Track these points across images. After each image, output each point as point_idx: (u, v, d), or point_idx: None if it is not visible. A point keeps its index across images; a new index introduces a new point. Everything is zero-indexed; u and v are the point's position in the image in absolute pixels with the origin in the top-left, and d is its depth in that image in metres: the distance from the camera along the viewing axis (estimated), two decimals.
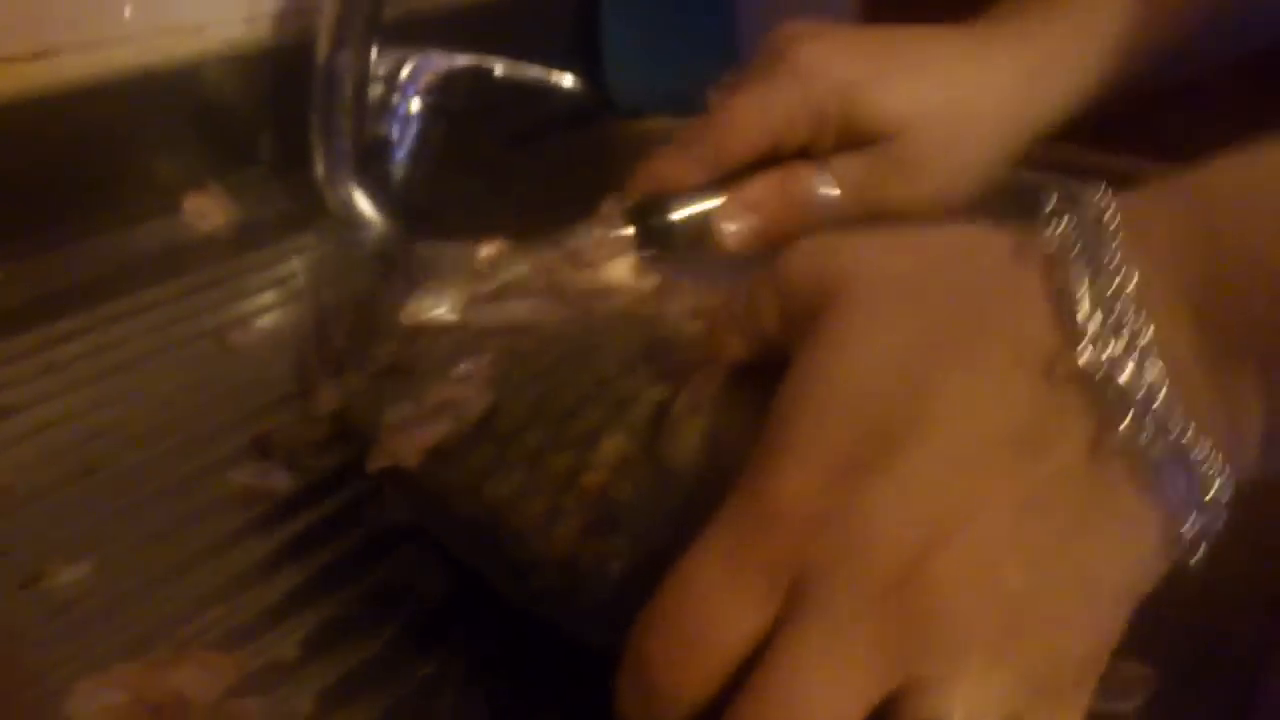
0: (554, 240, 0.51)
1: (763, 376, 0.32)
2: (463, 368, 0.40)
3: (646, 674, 0.29)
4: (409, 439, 0.39)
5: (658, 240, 0.52)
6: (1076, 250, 0.29)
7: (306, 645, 0.39)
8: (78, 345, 0.57)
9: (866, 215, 0.53)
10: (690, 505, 0.32)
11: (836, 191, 0.53)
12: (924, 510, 0.28)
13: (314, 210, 0.73)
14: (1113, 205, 0.30)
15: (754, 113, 0.53)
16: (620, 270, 0.48)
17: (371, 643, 0.40)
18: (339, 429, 0.47)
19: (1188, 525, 0.29)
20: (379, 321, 0.46)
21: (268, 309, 0.63)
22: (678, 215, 0.52)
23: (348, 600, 0.42)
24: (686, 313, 0.41)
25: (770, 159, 0.54)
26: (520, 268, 0.48)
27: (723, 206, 0.52)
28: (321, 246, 0.71)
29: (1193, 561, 0.29)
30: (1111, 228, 0.29)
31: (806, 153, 0.55)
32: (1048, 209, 0.30)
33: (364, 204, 0.75)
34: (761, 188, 0.53)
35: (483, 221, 0.53)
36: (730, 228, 0.52)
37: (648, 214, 0.52)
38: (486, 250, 0.50)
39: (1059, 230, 0.30)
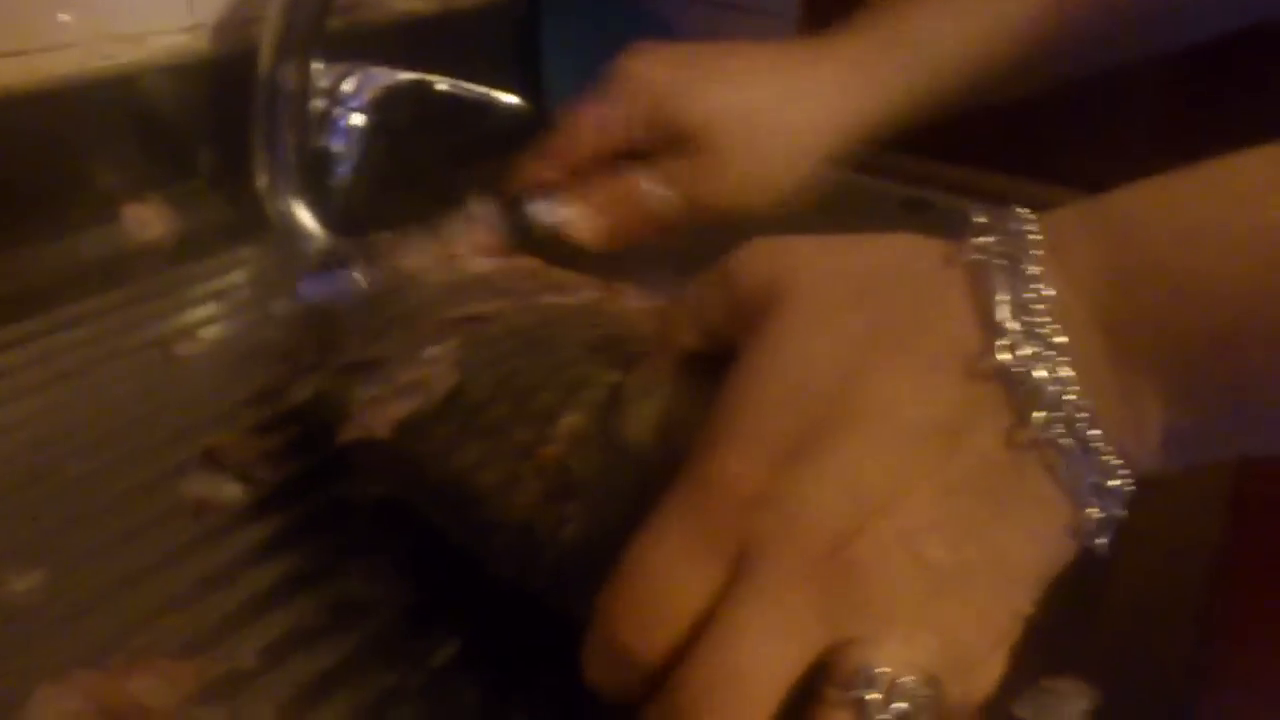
0: (430, 229, 0.56)
1: (709, 363, 0.35)
2: (430, 351, 0.43)
3: (611, 636, 0.31)
4: (380, 413, 0.42)
5: (519, 233, 0.58)
6: (1000, 261, 0.32)
7: (266, 654, 0.40)
8: (20, 353, 0.57)
9: (694, 213, 0.59)
10: (641, 478, 0.35)
11: (668, 192, 0.58)
12: (852, 492, 0.30)
13: (255, 222, 0.73)
14: (1035, 223, 0.32)
15: (592, 120, 0.60)
16: (483, 263, 0.53)
17: (331, 653, 0.40)
18: (299, 432, 0.49)
19: (1093, 511, 0.31)
20: (342, 323, 0.49)
21: (212, 320, 0.62)
22: (534, 213, 0.59)
23: (306, 611, 0.42)
24: (638, 310, 0.44)
25: (615, 161, 0.60)
26: (415, 255, 0.53)
27: (574, 210, 0.59)
28: (263, 258, 0.71)
29: (1098, 548, 0.32)
30: (1033, 242, 0.32)
31: (646, 155, 0.60)
32: (976, 222, 0.33)
33: (305, 216, 0.75)
34: (604, 193, 0.59)
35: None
36: (584, 228, 0.58)
37: (511, 210, 0.59)
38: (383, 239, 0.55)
39: (985, 242, 0.32)
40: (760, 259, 0.35)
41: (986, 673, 0.32)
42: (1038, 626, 0.33)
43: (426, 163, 0.85)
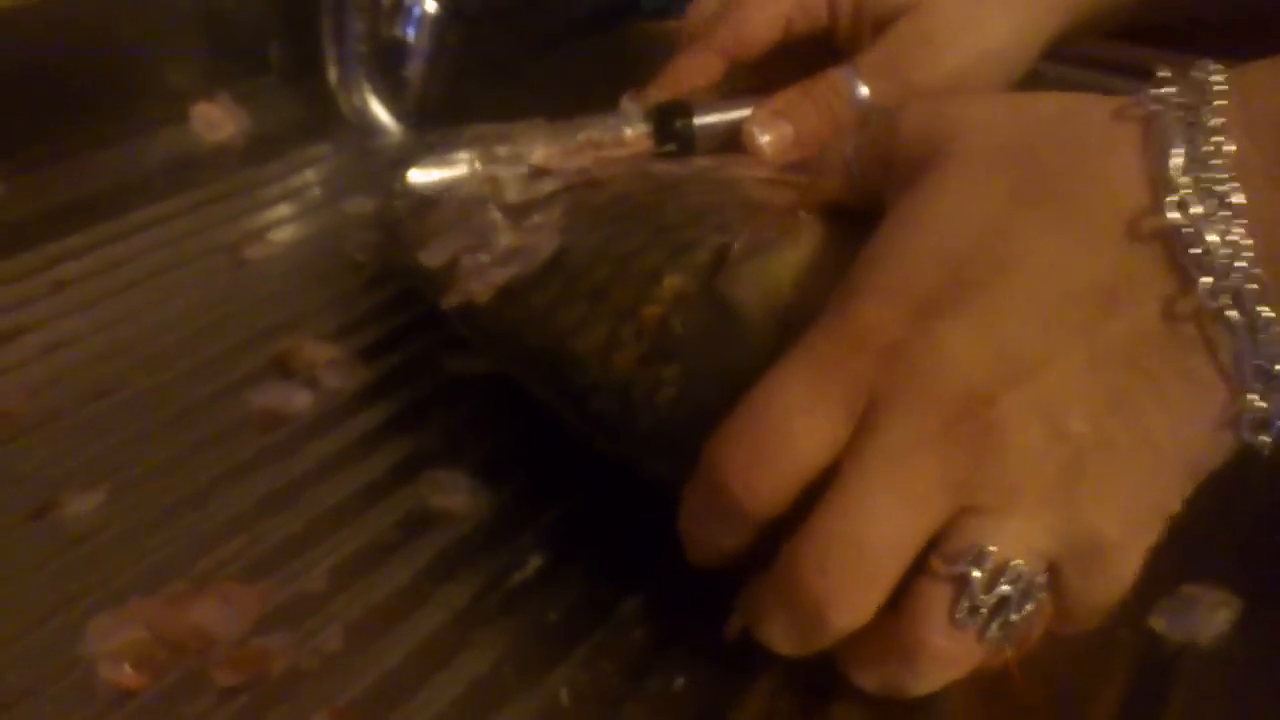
0: (573, 127, 0.49)
1: (822, 228, 0.36)
2: (534, 218, 0.42)
3: (718, 481, 0.30)
4: (481, 279, 0.41)
5: (679, 142, 0.49)
6: (1177, 112, 0.29)
7: (334, 575, 0.37)
8: (86, 262, 0.55)
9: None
10: (743, 342, 0.34)
11: (867, 91, 0.49)
12: (995, 350, 0.29)
13: (328, 118, 0.70)
14: (1222, 73, 0.30)
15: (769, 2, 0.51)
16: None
17: (403, 572, 0.38)
18: (371, 336, 0.48)
19: (1254, 398, 0.28)
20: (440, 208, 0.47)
21: (283, 222, 0.60)
22: (702, 120, 0.50)
23: (377, 527, 0.39)
24: (750, 178, 0.42)
25: (790, 50, 0.52)
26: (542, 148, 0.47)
27: (753, 115, 0.49)
28: (336, 155, 0.68)
29: (1258, 446, 0.29)
30: (1217, 91, 0.29)
31: (824, 42, 0.52)
32: (1158, 75, 0.30)
33: (379, 110, 0.72)
34: (792, 94, 0.50)
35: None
36: (764, 137, 0.49)
37: (671, 116, 0.49)
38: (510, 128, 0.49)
39: (1164, 92, 0.30)
40: (924, 115, 0.33)
41: (1117, 570, 0.30)
42: (1177, 527, 0.30)
43: (505, 52, 0.82)
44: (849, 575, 0.29)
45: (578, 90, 0.87)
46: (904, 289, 0.30)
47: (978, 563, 0.29)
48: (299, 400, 0.45)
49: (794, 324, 0.33)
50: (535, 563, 0.38)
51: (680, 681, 0.34)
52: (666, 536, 0.34)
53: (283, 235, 0.59)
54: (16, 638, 0.34)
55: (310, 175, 0.66)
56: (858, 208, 0.35)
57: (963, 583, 0.29)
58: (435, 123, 0.71)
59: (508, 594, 0.37)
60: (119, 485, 0.40)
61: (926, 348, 0.29)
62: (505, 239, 0.41)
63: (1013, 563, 0.29)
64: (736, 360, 0.34)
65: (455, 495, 0.41)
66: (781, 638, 0.31)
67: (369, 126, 0.71)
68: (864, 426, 0.29)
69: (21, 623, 0.35)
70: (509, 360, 0.43)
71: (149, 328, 0.50)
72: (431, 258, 0.43)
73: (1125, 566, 0.30)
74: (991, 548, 0.29)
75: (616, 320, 0.37)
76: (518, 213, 0.42)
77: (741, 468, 0.30)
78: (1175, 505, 0.30)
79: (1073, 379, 0.29)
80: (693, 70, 0.52)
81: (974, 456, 0.28)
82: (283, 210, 0.61)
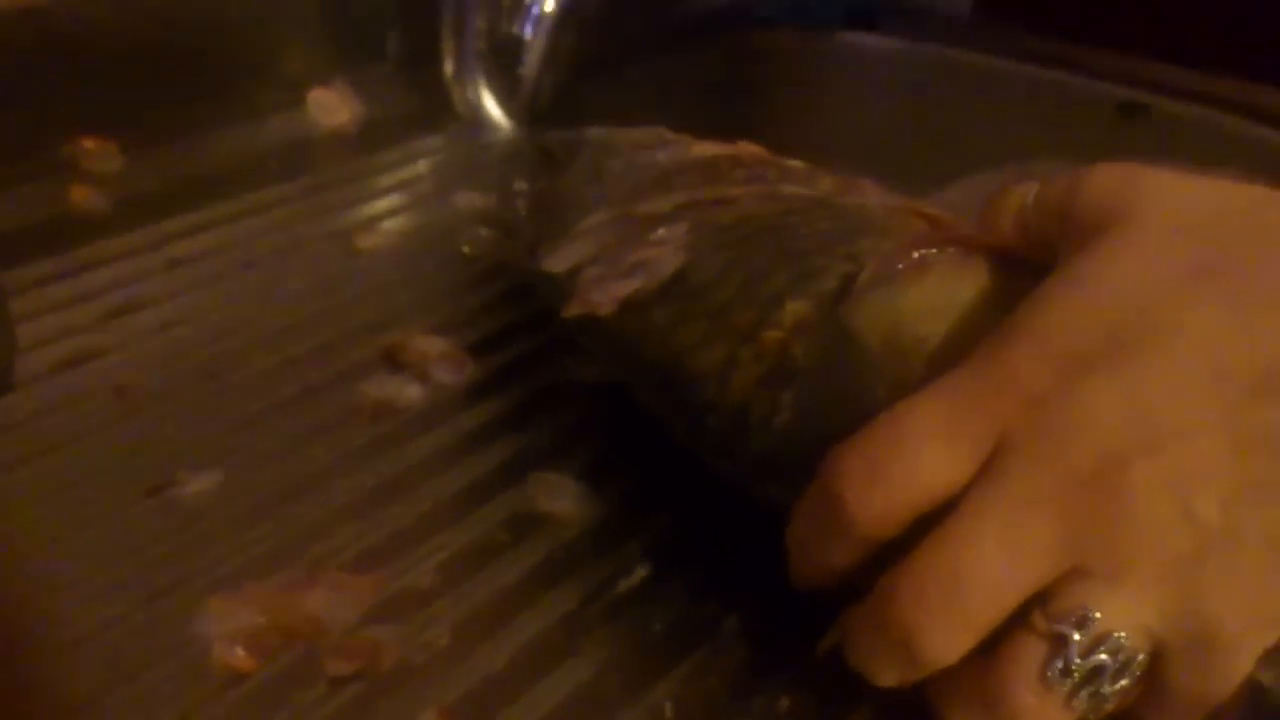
0: (691, 141, 0.49)
1: (952, 267, 0.35)
2: (660, 232, 0.41)
3: (835, 490, 0.30)
4: (604, 290, 0.41)
5: None
6: None
7: (442, 572, 0.37)
8: (201, 240, 0.55)
9: None
10: (862, 372, 0.34)
11: None
12: (1138, 416, 0.28)
13: (441, 111, 0.71)
14: None
15: None
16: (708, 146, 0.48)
17: (510, 573, 0.38)
18: (482, 330, 0.48)
19: None
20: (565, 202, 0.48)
21: (394, 212, 0.60)
22: None
23: (486, 525, 0.39)
24: (880, 206, 0.42)
25: None
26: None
27: None
28: (448, 148, 0.68)
29: None
30: None
31: None
32: None
33: (493, 106, 0.72)
34: None
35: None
36: None
37: None
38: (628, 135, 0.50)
39: None
40: (1112, 178, 0.33)
41: (1225, 668, 0.29)
42: None
43: (620, 54, 0.82)
44: (944, 610, 0.29)
45: (682, 91, 0.88)
46: (1059, 342, 0.30)
47: (1080, 626, 0.28)
48: (410, 393, 0.45)
49: (916, 359, 0.33)
50: (641, 572, 0.38)
51: (784, 703, 0.34)
52: (772, 556, 0.34)
53: (394, 225, 0.59)
54: (131, 613, 0.35)
55: (422, 166, 0.66)
56: (1023, 256, 0.35)
57: (1060, 643, 0.28)
58: (547, 121, 0.71)
59: (613, 602, 0.37)
60: (234, 466, 0.41)
61: (1069, 402, 0.29)
62: (630, 251, 0.41)
63: (1116, 634, 0.28)
64: (855, 390, 0.34)
65: (563, 498, 0.41)
66: (871, 664, 0.31)
67: (482, 121, 0.71)
68: (991, 469, 0.29)
69: (136, 599, 0.35)
70: (625, 370, 0.43)
71: (262, 310, 0.50)
72: (555, 264, 0.43)
73: (1235, 665, 0.29)
74: (1097, 614, 0.28)
75: (737, 341, 0.37)
76: (643, 225, 0.42)
77: (859, 481, 0.30)
78: None
79: (1212, 459, 0.28)
80: None
81: (1095, 519, 0.28)
82: (395, 200, 0.62)
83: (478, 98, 0.72)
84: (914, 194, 0.68)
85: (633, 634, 0.36)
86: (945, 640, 0.29)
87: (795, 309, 0.37)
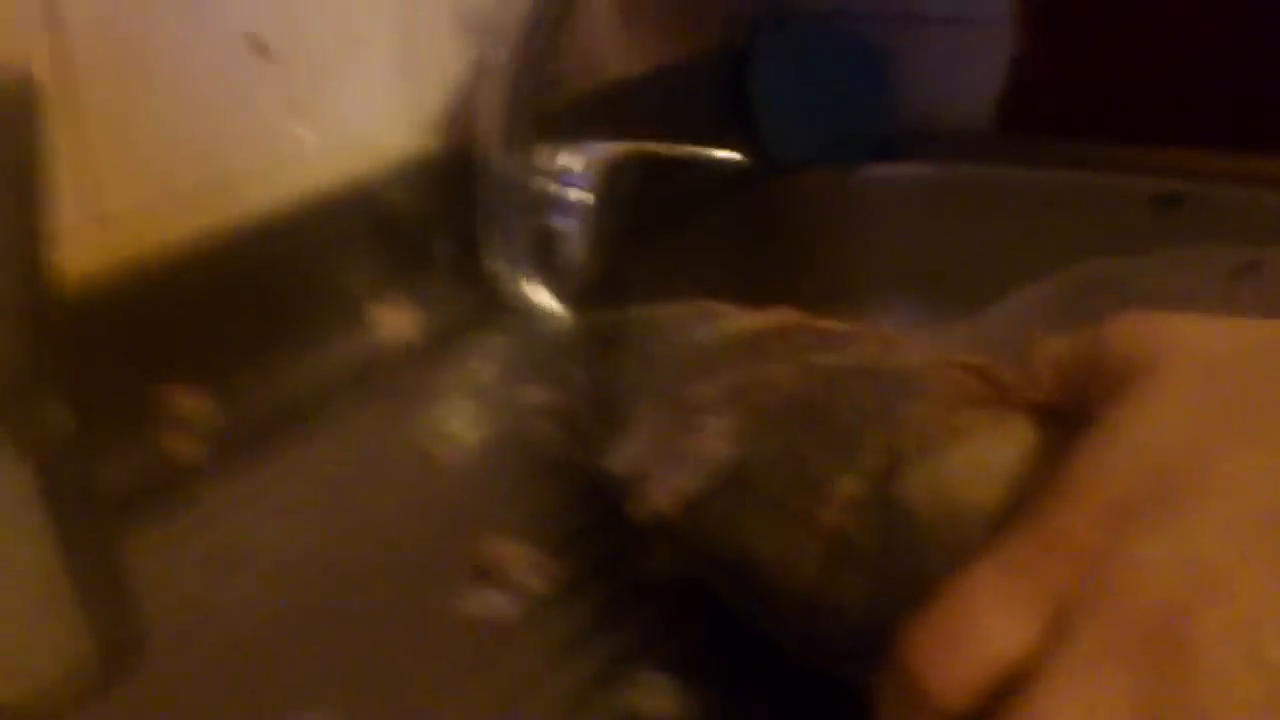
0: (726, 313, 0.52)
1: (991, 426, 0.37)
2: (709, 423, 0.43)
3: (912, 670, 0.31)
4: (665, 491, 0.43)
5: None
6: None
7: None
8: (292, 478, 0.58)
9: None
10: (919, 545, 0.36)
11: None
12: (1193, 565, 0.29)
13: (497, 308, 0.74)
14: None
15: None
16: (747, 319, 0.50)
17: None
18: (565, 532, 0.50)
19: None
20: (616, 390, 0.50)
21: (466, 418, 0.63)
22: None
23: None
24: (919, 365, 0.43)
25: None
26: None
27: None
28: (508, 345, 0.72)
29: None
30: None
31: None
32: None
33: (544, 297, 0.76)
34: None
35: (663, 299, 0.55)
36: None
37: None
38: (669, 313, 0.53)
39: None
40: (1138, 329, 0.35)
41: None
42: None
43: (654, 227, 0.85)
44: None
45: (721, 251, 0.90)
46: (1104, 497, 0.31)
47: None
48: (499, 605, 0.48)
49: (969, 524, 0.35)
50: None
51: None
52: None
53: (466, 433, 0.62)
54: None
55: (486, 367, 0.69)
56: (1060, 410, 0.37)
57: None
58: (595, 301, 0.74)
59: None
60: (348, 704, 0.43)
61: (1122, 557, 0.30)
62: (683, 445, 0.43)
63: None
64: (915, 563, 0.36)
65: (660, 697, 0.42)
66: None
67: (534, 312, 0.75)
68: (1056, 633, 0.30)
69: None
70: (696, 563, 0.44)
71: (354, 541, 0.53)
72: (616, 465, 0.46)
73: None
74: None
75: (795, 527, 0.39)
76: (691, 414, 0.44)
77: (932, 657, 0.31)
78: None
79: (1267, 601, 0.29)
80: None
81: (1165, 672, 0.29)
82: (464, 405, 0.64)
83: (527, 290, 0.75)
84: (962, 314, 0.70)
85: None
86: None
87: (846, 486, 0.38)
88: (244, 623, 0.48)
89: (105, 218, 0.59)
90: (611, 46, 0.92)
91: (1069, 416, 0.36)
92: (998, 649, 0.31)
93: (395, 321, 0.71)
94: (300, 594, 0.50)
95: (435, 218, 0.76)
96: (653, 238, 0.86)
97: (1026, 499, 0.33)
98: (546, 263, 0.77)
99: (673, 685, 0.43)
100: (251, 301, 0.66)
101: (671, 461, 0.44)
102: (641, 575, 0.49)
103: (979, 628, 0.31)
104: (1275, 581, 0.29)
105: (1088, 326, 0.37)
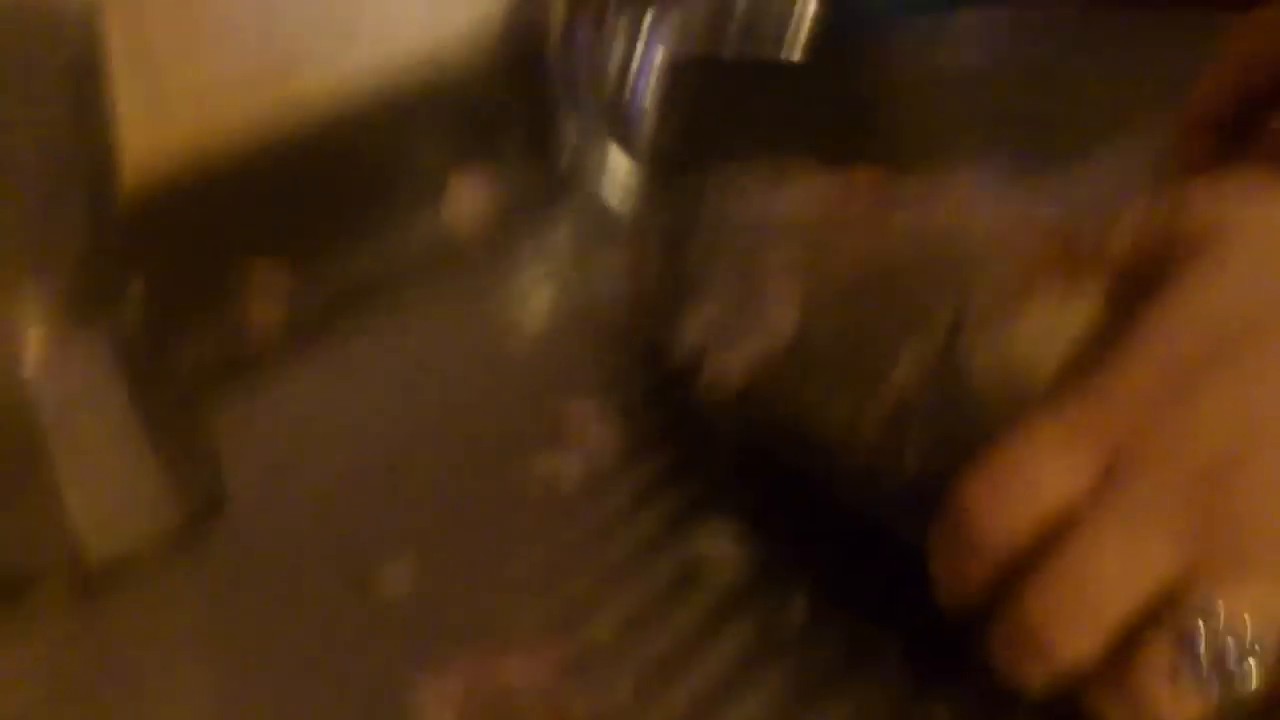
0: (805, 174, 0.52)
1: (1056, 293, 0.37)
2: (777, 290, 0.44)
3: (966, 516, 0.33)
4: (732, 358, 0.44)
5: None
6: None
7: (622, 628, 0.41)
8: (370, 345, 0.60)
9: None
10: (981, 410, 0.36)
11: None
12: (1248, 417, 0.30)
13: (572, 180, 0.75)
14: None
15: None
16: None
17: (685, 619, 0.41)
18: (636, 393, 0.52)
19: None
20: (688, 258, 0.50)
21: (540, 286, 0.64)
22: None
23: (656, 579, 0.43)
24: (990, 229, 0.43)
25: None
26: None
27: None
28: (583, 217, 0.72)
29: None
30: None
31: None
32: None
33: (620, 162, 0.75)
34: None
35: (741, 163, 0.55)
36: None
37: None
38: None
39: None
40: (1206, 202, 0.36)
41: None
42: None
43: (734, 88, 0.84)
44: (1071, 611, 0.31)
45: (807, 112, 0.89)
46: (1167, 353, 0.32)
47: (1207, 620, 0.30)
48: (571, 463, 0.49)
49: (1030, 391, 0.36)
50: (800, 608, 0.41)
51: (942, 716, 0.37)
52: (922, 587, 0.36)
53: (540, 300, 0.63)
54: (354, 700, 0.39)
55: (561, 234, 0.70)
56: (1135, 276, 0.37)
57: (1188, 637, 0.30)
58: (671, 170, 0.74)
59: (780, 640, 0.40)
60: (424, 554, 0.45)
61: (1181, 408, 0.31)
62: (750, 315, 0.44)
63: (1239, 617, 0.30)
64: (977, 428, 0.36)
65: (722, 545, 0.44)
66: (1015, 669, 0.33)
67: (612, 179, 0.75)
68: (1109, 477, 0.31)
69: (356, 686, 0.39)
70: (759, 429, 0.45)
71: (431, 403, 0.54)
72: (684, 334, 0.46)
73: None
74: (1224, 606, 0.30)
75: (859, 395, 0.40)
76: (760, 284, 0.45)
77: (985, 502, 0.33)
78: None
79: None
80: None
81: (1213, 517, 0.30)
82: (538, 273, 0.66)
83: (604, 154, 0.75)
84: (1056, 168, 0.69)
85: (798, 670, 0.39)
86: (1074, 639, 0.31)
87: (910, 355, 0.39)
88: (323, 483, 0.49)
89: (167, 100, 0.60)
90: None
91: (1143, 283, 0.36)
92: (1050, 496, 0.32)
93: (469, 198, 0.72)
94: (378, 457, 0.51)
95: (507, 91, 0.76)
96: (733, 101, 0.85)
97: (1089, 356, 0.34)
98: (622, 133, 0.77)
99: (736, 531, 0.44)
100: (324, 182, 0.66)
101: (738, 333, 0.45)
102: (707, 438, 0.50)
103: (1032, 474, 0.32)
104: None
105: (1169, 193, 0.37)
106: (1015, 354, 0.37)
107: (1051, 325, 0.37)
